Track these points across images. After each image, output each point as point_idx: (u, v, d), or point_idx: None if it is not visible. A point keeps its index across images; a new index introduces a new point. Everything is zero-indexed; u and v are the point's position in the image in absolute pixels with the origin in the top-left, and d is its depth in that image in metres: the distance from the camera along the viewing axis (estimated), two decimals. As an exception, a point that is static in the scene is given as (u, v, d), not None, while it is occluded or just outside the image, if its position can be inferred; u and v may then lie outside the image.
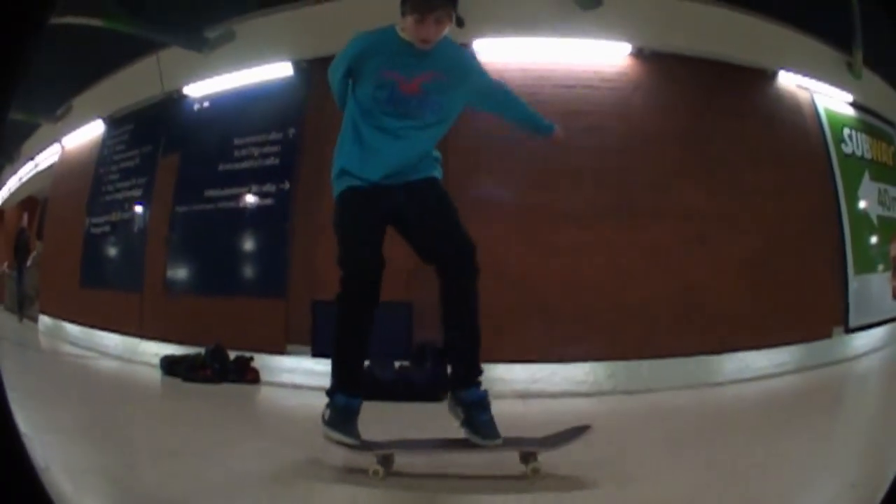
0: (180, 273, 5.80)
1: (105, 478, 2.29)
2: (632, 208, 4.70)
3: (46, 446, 2.15)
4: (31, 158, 7.87)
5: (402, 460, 2.38)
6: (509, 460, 2.33)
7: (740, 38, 5.07)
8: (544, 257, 4.64)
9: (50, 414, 3.05)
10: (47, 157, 7.62)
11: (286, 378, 4.68)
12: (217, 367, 4.79)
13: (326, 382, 2.43)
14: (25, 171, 8.11)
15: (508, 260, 4.44)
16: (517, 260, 4.53)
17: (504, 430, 2.32)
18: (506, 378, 4.23)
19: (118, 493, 2.19)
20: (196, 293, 5.63)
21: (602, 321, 4.55)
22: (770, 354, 4.75)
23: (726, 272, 4.78)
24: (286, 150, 5.30)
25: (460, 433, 2.36)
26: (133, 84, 6.17)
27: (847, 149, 5.69)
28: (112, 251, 6.44)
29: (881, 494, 1.44)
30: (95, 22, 5.00)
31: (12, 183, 8.30)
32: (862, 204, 5.70)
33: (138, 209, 6.14)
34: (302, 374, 4.51)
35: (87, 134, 6.91)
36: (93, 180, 6.64)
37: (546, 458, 2.30)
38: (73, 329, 6.44)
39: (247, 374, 4.78)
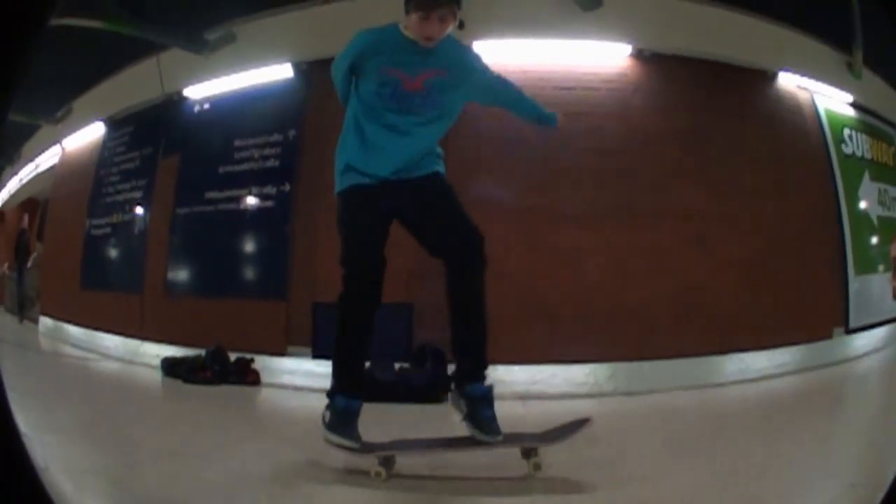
0: (181, 275, 5.80)
1: (105, 478, 2.29)
2: (632, 209, 4.70)
3: (46, 446, 2.15)
4: (32, 160, 7.88)
5: (403, 461, 2.38)
6: (510, 461, 2.32)
7: (740, 38, 5.07)
8: (544, 258, 4.64)
9: (50, 414, 3.06)
10: (48, 159, 7.64)
11: (287, 380, 4.68)
12: (217, 369, 4.79)
13: (327, 384, 2.43)
14: (26, 173, 8.13)
15: (508, 260, 4.41)
16: (517, 260, 4.51)
17: (504, 431, 2.30)
18: (505, 379, 4.17)
19: (118, 494, 2.19)
20: (197, 295, 5.63)
21: (602, 322, 4.55)
22: (770, 355, 4.74)
23: (726, 273, 4.77)
24: (286, 151, 5.30)
25: (461, 430, 2.35)
26: (133, 86, 6.18)
27: (847, 149, 5.69)
28: (113, 253, 6.45)
29: (881, 494, 1.43)
30: (96, 23, 5.00)
31: (13, 184, 8.33)
32: (862, 204, 5.70)
33: (139, 211, 6.14)
34: (302, 375, 4.51)
35: (87, 135, 6.92)
36: (93, 182, 6.65)
37: (547, 459, 2.30)
38: (73, 330, 6.45)
39: (247, 376, 4.77)
